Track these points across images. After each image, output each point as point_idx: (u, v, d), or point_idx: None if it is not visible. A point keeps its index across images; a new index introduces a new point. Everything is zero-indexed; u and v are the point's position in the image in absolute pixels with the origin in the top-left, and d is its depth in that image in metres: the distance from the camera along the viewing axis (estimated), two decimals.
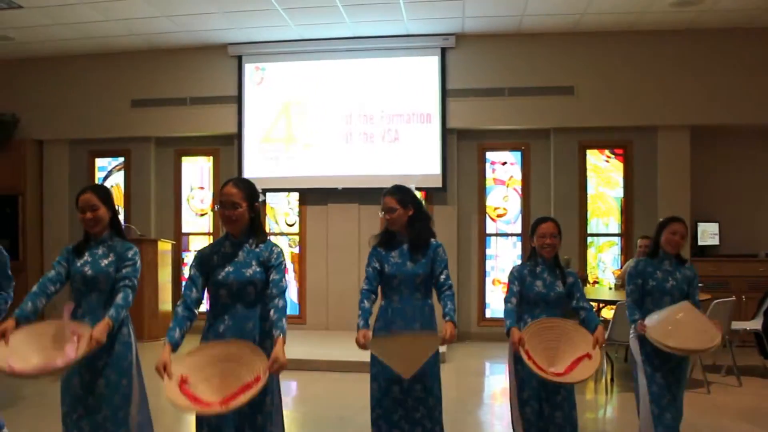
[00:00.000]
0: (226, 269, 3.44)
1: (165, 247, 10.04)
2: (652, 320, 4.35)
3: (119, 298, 3.59)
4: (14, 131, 10.78)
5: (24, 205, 10.57)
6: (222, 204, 3.49)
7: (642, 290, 4.58)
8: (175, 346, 3.31)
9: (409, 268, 4.08)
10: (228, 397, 3.08)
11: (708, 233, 9.67)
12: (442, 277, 4.08)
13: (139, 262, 3.77)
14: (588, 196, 9.90)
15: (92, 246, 3.78)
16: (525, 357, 3.98)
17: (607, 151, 9.93)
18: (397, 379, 3.96)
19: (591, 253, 9.85)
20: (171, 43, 10.26)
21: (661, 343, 4.20)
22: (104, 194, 3.82)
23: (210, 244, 3.63)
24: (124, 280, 3.66)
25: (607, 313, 7.84)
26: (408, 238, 4.15)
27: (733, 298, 7.24)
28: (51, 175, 11.02)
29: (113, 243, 3.79)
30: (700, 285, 4.71)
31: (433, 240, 4.18)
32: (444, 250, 4.19)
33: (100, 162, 11.06)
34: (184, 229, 10.86)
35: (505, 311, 4.31)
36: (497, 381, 8.02)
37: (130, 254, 3.75)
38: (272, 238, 10.53)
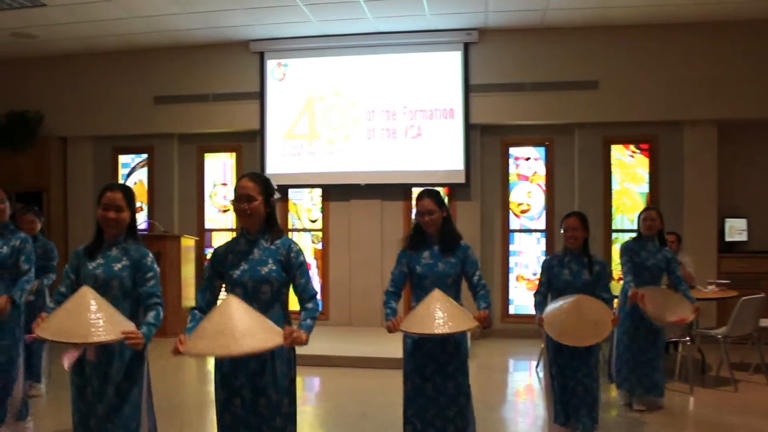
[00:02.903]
0: (242, 268, 3.40)
1: (188, 243, 10.07)
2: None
3: (151, 317, 3.45)
4: (39, 128, 10.85)
5: (48, 202, 10.64)
6: (237, 197, 3.46)
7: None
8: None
9: (440, 269, 4.11)
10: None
11: (736, 229, 9.53)
12: (475, 278, 4.13)
13: (158, 269, 3.63)
14: (613, 191, 9.80)
15: (105, 247, 3.61)
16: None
17: (632, 146, 9.82)
18: (430, 377, 4.02)
19: (616, 249, 9.74)
20: (193, 40, 10.27)
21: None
22: (131, 196, 3.67)
23: (225, 243, 3.59)
24: (153, 297, 3.52)
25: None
26: (438, 239, 4.18)
27: (762, 294, 7.09)
28: (75, 171, 11.09)
29: (127, 245, 3.61)
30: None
31: (462, 241, 4.22)
32: (473, 251, 4.24)
33: (123, 158, 11.12)
34: (207, 226, 10.92)
35: (535, 303, 4.90)
36: (521, 378, 7.98)
37: (148, 262, 3.59)
38: (295, 234, 10.68)
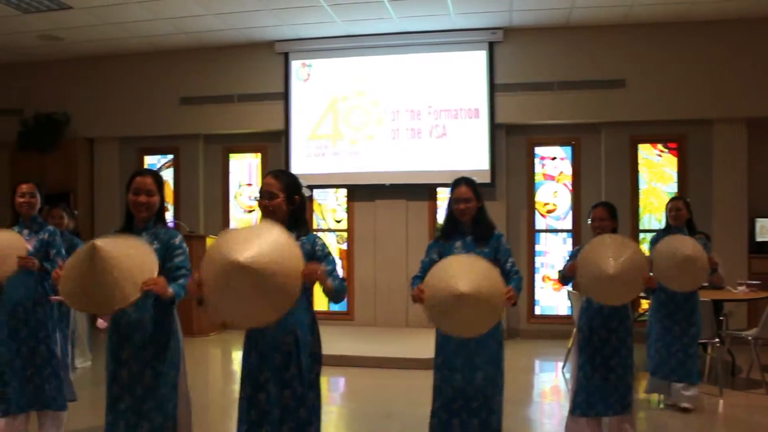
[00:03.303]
0: None
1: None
2: None
3: (181, 281, 3.51)
4: (66, 130, 10.96)
5: (75, 202, 10.71)
6: (260, 194, 3.53)
7: None
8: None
9: None
10: None
11: (767, 229, 9.39)
12: (508, 264, 4.08)
13: (187, 249, 3.70)
14: (640, 191, 9.70)
15: (135, 233, 3.64)
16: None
17: (659, 145, 9.71)
18: (460, 368, 3.97)
19: (644, 249, 9.62)
20: (218, 41, 10.31)
21: None
22: (160, 181, 3.74)
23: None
24: (181, 270, 3.57)
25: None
26: (471, 229, 4.15)
27: None
28: (101, 172, 11.18)
29: (157, 230, 3.67)
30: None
31: (495, 230, 4.19)
32: (506, 240, 4.20)
33: (149, 159, 11.19)
34: (233, 226, 10.90)
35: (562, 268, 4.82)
36: (547, 378, 7.93)
37: (177, 241, 3.66)
38: (320, 235, 10.55)
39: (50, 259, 4.79)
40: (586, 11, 9.02)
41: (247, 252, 3.01)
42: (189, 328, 8.98)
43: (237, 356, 8.58)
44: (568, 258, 5.02)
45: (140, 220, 3.67)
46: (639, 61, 9.42)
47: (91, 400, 5.90)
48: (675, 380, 5.92)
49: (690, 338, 5.90)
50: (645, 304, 7.39)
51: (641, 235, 9.66)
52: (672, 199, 6.29)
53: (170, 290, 3.38)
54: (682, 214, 6.04)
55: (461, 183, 4.17)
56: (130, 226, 3.69)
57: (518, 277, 4.05)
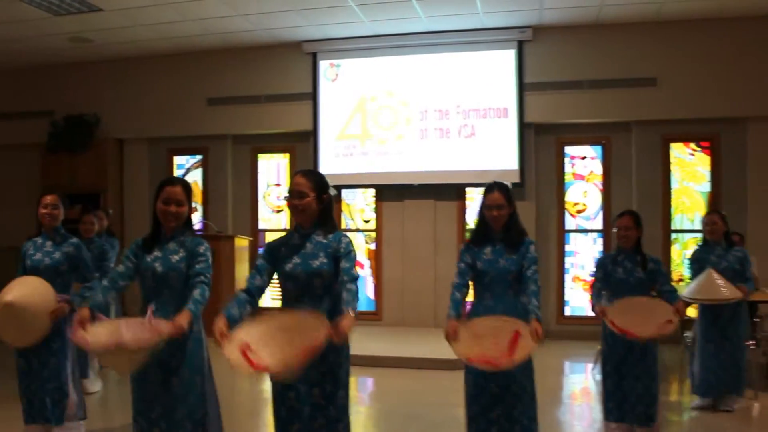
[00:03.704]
0: (294, 261, 3.46)
1: (242, 243, 10.11)
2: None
3: (196, 294, 3.54)
4: (96, 131, 11.04)
5: (105, 203, 10.77)
6: (290, 193, 3.53)
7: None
8: (230, 319, 3.30)
9: (501, 265, 3.97)
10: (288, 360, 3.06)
11: None
12: (529, 272, 3.93)
13: (210, 257, 3.72)
14: (672, 190, 9.55)
15: (163, 241, 3.71)
16: (608, 323, 4.57)
17: (692, 144, 9.56)
18: (493, 375, 3.87)
19: (675, 249, 9.50)
20: (246, 42, 10.33)
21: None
22: (189, 190, 3.78)
23: (280, 237, 3.65)
24: (199, 276, 3.60)
25: (693, 311, 7.54)
26: (502, 235, 4.05)
27: None
28: (131, 172, 11.26)
29: (184, 238, 3.71)
30: None
31: (526, 237, 4.09)
32: (536, 248, 4.10)
33: (178, 159, 11.25)
34: (261, 226, 10.97)
35: (591, 295, 5.00)
36: (577, 380, 7.86)
37: (201, 249, 3.69)
38: (348, 235, 10.51)
39: (77, 272, 4.80)
40: (616, 8, 8.91)
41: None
42: (213, 332, 8.99)
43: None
44: (596, 266, 5.13)
45: (168, 229, 3.71)
46: (671, 59, 9.28)
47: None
48: (726, 392, 5.88)
49: (738, 350, 5.90)
50: None
51: (673, 236, 9.52)
52: (707, 214, 6.29)
53: (186, 319, 3.45)
54: (718, 228, 5.99)
55: (494, 189, 4.07)
56: (157, 234, 3.74)
57: (535, 287, 3.86)
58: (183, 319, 3.41)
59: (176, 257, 3.65)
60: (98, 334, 3.36)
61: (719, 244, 5.97)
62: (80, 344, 3.34)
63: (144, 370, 3.53)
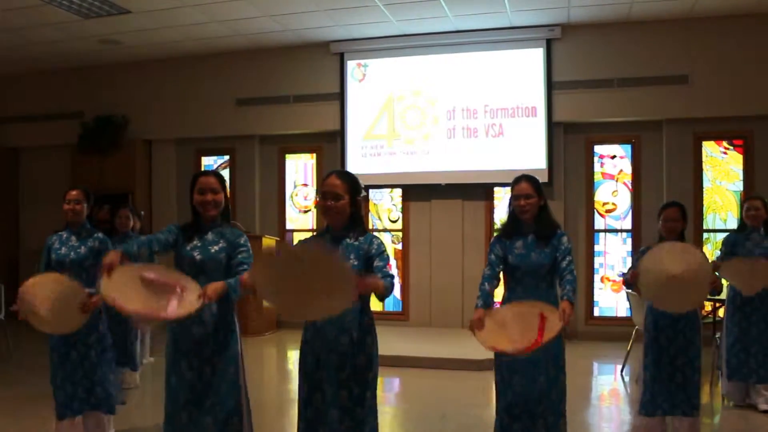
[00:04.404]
0: None
1: (269, 243, 10.13)
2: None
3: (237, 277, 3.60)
4: (124, 132, 11.15)
5: (134, 203, 10.82)
6: (323, 195, 3.49)
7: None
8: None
9: (533, 259, 3.96)
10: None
11: None
12: (564, 263, 3.92)
13: (250, 247, 3.79)
14: (704, 189, 9.42)
15: (202, 230, 3.75)
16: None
17: (724, 143, 9.41)
18: (521, 370, 3.88)
19: (707, 249, 9.37)
20: (274, 43, 10.35)
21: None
22: (222, 180, 3.87)
23: (311, 237, 3.69)
24: (243, 265, 3.66)
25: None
26: (534, 228, 4.03)
27: None
28: (159, 173, 11.34)
29: (223, 229, 3.77)
30: None
31: (558, 229, 4.06)
32: (569, 238, 4.06)
33: (206, 160, 11.30)
34: (288, 226, 10.97)
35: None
36: (606, 381, 7.77)
37: (242, 240, 3.76)
38: (375, 234, 10.50)
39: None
40: (647, 5, 8.79)
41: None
42: (245, 328, 9.01)
43: (292, 355, 8.61)
44: (635, 257, 4.98)
45: (208, 218, 3.76)
46: (703, 56, 9.14)
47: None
48: (755, 382, 5.78)
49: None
50: (708, 306, 7.14)
51: (705, 235, 9.39)
52: (749, 198, 6.13)
53: (222, 287, 3.49)
54: (761, 214, 5.84)
55: (521, 180, 4.08)
56: (197, 225, 3.78)
57: (572, 277, 3.87)
58: (215, 291, 3.45)
59: (216, 247, 3.70)
60: (132, 299, 3.33)
61: (757, 230, 5.83)
62: (109, 303, 3.31)
63: (178, 354, 3.62)
